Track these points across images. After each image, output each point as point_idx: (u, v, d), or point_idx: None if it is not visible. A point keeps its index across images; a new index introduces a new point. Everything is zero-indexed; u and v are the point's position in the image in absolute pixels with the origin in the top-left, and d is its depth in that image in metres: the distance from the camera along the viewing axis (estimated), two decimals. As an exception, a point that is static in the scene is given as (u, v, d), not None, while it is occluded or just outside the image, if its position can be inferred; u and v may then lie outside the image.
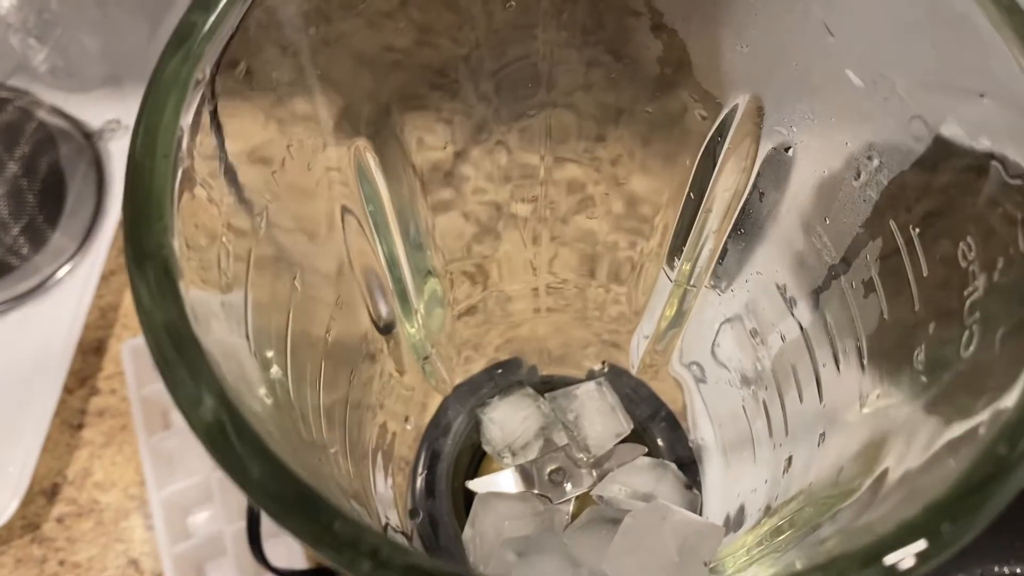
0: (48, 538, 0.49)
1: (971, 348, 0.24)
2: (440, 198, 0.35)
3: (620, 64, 0.30)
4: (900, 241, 0.27)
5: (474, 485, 0.38)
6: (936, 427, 0.24)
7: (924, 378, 0.26)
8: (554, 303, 0.41)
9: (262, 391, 0.25)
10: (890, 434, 0.26)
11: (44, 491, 0.50)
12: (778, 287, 0.32)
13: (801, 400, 0.32)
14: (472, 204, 0.36)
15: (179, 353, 0.20)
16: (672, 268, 0.35)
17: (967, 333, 0.24)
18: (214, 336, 0.21)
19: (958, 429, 0.23)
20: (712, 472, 0.39)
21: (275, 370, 0.27)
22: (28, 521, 0.50)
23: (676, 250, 0.35)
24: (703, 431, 0.39)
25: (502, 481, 0.38)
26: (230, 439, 0.20)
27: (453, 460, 0.39)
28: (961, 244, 0.25)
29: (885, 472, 0.25)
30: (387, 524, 0.35)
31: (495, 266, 0.38)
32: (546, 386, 0.40)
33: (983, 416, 0.22)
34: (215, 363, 0.20)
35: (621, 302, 0.39)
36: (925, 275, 0.26)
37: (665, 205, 0.34)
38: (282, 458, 0.20)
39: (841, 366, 0.30)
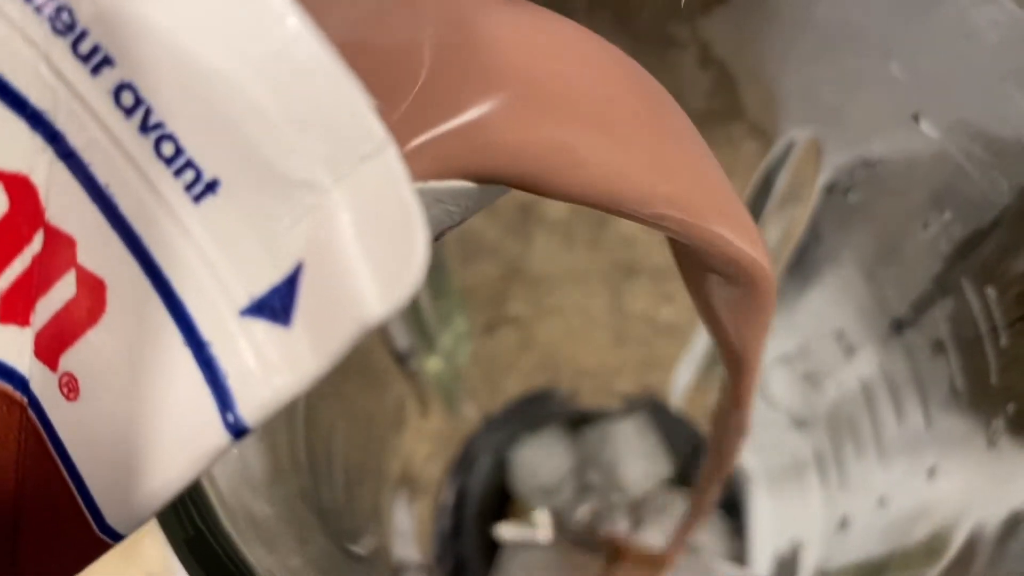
0: (66, 555, 0.48)
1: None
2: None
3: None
4: (975, 303, 0.24)
5: (502, 531, 0.36)
6: (1014, 524, 0.22)
7: (1004, 464, 0.23)
8: (588, 323, 0.38)
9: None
10: (960, 521, 0.24)
11: (61, 506, 0.49)
12: (834, 332, 0.29)
13: (857, 455, 0.30)
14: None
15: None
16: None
17: (1054, 424, 0.21)
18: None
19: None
20: (758, 512, 0.36)
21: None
22: (45, 538, 0.48)
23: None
24: (748, 470, 0.37)
25: (532, 525, 0.36)
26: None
27: (481, 501, 0.37)
28: (1048, 318, 0.22)
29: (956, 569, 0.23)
30: (399, 568, 0.33)
31: (522, 288, 0.36)
32: (579, 419, 0.38)
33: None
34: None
35: (661, 325, 0.37)
36: (1003, 346, 0.23)
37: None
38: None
39: (904, 427, 0.27)
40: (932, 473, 0.26)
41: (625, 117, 0.15)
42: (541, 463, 0.36)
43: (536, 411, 0.38)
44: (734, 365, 0.19)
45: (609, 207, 0.15)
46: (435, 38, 0.14)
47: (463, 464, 0.37)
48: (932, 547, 0.25)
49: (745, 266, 0.16)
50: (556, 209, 0.34)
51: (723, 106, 0.27)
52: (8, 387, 0.13)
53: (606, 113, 0.15)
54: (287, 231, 0.11)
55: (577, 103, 0.15)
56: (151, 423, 0.12)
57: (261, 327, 0.12)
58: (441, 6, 0.14)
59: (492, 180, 0.15)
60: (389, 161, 0.11)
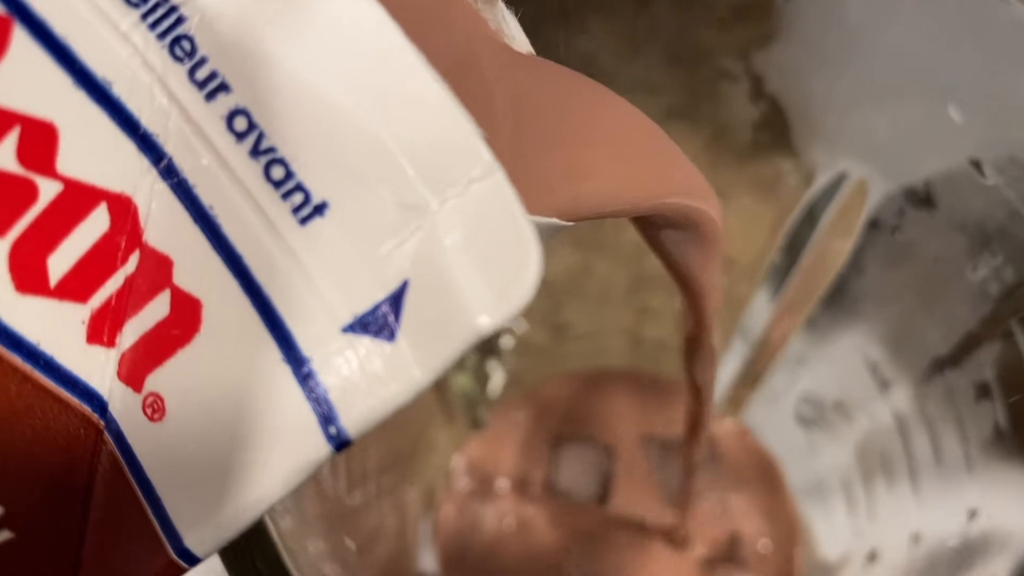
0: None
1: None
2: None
3: (709, 128, 0.27)
4: (1025, 349, 0.24)
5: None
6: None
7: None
8: (607, 337, 0.38)
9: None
10: (1003, 567, 0.24)
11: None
12: (869, 366, 0.29)
13: (889, 488, 0.30)
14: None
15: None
16: (748, 330, 0.33)
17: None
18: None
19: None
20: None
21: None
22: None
23: (753, 313, 0.32)
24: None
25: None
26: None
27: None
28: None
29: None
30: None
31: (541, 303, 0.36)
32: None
33: None
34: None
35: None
36: (1054, 393, 0.23)
37: (748, 269, 0.31)
38: None
39: (942, 466, 0.27)
40: (974, 515, 0.25)
41: (650, 152, 0.18)
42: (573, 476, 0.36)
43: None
44: (694, 295, 0.22)
45: (639, 212, 0.18)
46: (512, 100, 0.15)
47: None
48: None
49: (702, 221, 0.19)
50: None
51: (771, 139, 0.27)
52: (87, 409, 0.13)
53: (643, 154, 0.18)
54: (394, 250, 0.12)
55: (631, 153, 0.17)
56: (245, 439, 0.12)
57: (365, 342, 0.12)
58: (505, 74, 0.15)
59: (580, 218, 0.16)
60: (499, 182, 0.12)
